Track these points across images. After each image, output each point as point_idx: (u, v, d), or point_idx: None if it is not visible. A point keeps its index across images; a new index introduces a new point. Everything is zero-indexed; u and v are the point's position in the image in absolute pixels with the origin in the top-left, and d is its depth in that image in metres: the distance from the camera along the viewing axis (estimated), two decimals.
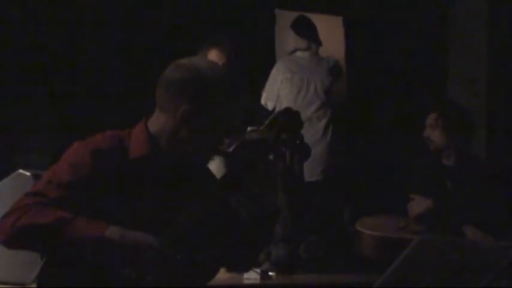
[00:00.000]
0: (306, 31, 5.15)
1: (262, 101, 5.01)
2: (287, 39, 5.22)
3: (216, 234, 2.04)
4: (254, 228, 2.12)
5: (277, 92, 5.02)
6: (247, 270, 2.26)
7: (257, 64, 5.34)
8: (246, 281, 3.83)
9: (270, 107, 4.95)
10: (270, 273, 3.99)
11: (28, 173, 3.40)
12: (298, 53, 5.13)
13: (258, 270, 3.89)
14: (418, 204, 3.77)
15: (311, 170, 4.91)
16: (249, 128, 2.30)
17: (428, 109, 3.94)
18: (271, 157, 2.09)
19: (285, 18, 5.54)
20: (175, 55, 2.24)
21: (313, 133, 4.94)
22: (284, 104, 4.91)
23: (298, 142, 2.08)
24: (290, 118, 2.07)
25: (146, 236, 1.93)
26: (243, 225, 2.11)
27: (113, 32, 5.16)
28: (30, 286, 3.29)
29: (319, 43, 5.17)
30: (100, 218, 1.95)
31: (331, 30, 5.64)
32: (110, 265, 1.93)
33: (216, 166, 4.03)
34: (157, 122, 2.11)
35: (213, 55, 4.29)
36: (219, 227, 2.04)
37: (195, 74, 2.06)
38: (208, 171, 2.27)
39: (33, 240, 1.95)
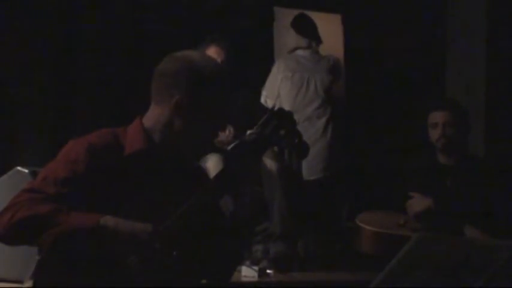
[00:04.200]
0: (307, 29, 5.15)
1: (262, 99, 5.02)
2: (287, 38, 5.22)
3: (202, 233, 2.04)
4: (236, 230, 2.13)
5: (278, 90, 5.02)
6: (227, 277, 2.24)
7: (256, 62, 5.34)
8: (244, 279, 3.83)
9: (270, 105, 4.95)
10: (268, 271, 3.99)
11: (26, 170, 3.40)
12: (299, 52, 5.12)
13: (256, 268, 3.89)
14: (418, 203, 3.76)
15: (311, 168, 4.92)
16: (248, 132, 2.31)
17: (432, 107, 3.90)
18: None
19: (283, 15, 5.54)
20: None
21: (313, 131, 4.95)
22: (284, 102, 4.92)
23: (296, 141, 2.08)
24: (283, 118, 2.08)
25: (142, 224, 1.93)
26: (226, 226, 2.12)
27: (113, 31, 5.16)
28: (27, 283, 3.29)
29: (319, 41, 5.17)
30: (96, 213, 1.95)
31: (330, 28, 5.64)
32: (110, 254, 1.93)
33: (215, 164, 4.05)
34: (152, 116, 2.13)
35: (212, 51, 4.30)
36: (206, 226, 2.04)
37: (188, 64, 2.09)
38: (202, 170, 2.27)
39: (29, 232, 1.95)
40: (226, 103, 2.12)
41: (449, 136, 3.82)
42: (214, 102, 2.08)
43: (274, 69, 5.07)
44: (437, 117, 3.86)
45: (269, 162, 4.15)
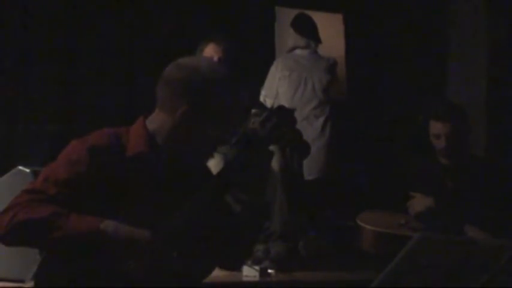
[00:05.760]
0: (305, 29, 5.15)
1: (261, 98, 5.03)
2: (286, 37, 5.23)
3: (211, 229, 2.04)
4: (248, 224, 2.13)
5: (276, 89, 5.03)
6: (239, 267, 2.25)
7: (257, 61, 5.35)
8: (245, 278, 3.83)
9: (269, 104, 4.95)
10: (269, 271, 3.99)
11: (27, 170, 3.39)
12: (297, 51, 5.13)
13: (257, 268, 3.89)
14: (419, 202, 3.76)
15: (309, 168, 4.91)
16: (253, 110, 2.30)
17: (433, 115, 3.87)
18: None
19: (285, 15, 5.54)
20: (176, 53, 2.24)
21: (311, 131, 4.94)
22: (282, 101, 4.92)
23: (297, 140, 2.07)
24: (283, 116, 2.07)
25: (141, 231, 1.94)
26: (238, 221, 2.12)
27: (113, 30, 5.17)
28: (29, 283, 3.29)
29: (318, 41, 5.17)
30: (97, 215, 1.95)
31: (331, 28, 5.64)
32: (109, 258, 1.93)
33: (215, 164, 4.05)
34: (156, 120, 2.11)
35: (210, 48, 4.31)
36: (214, 223, 2.04)
37: (196, 74, 2.06)
38: (206, 168, 2.27)
39: (29, 235, 1.95)
40: (233, 113, 2.09)
41: (453, 146, 3.80)
42: (220, 113, 2.06)
43: (273, 69, 5.09)
44: (439, 128, 3.79)
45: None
